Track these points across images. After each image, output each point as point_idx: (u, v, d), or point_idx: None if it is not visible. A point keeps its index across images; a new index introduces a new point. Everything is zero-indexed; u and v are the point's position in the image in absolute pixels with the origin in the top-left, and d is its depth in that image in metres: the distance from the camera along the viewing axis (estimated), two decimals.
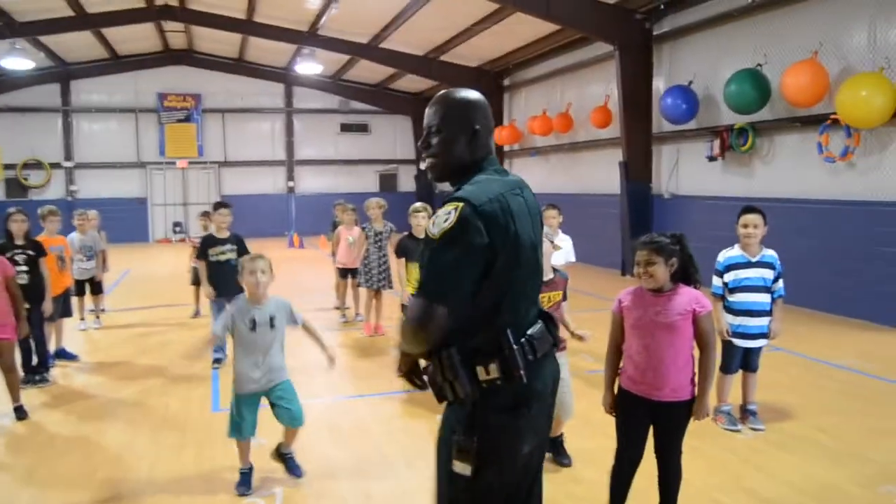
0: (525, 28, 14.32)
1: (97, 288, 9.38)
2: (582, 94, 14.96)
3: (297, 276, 13.81)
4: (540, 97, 16.73)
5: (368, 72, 21.26)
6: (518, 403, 2.22)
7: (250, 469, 4.30)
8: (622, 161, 12.67)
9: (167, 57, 22.70)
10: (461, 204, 2.11)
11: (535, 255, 2.34)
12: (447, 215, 2.10)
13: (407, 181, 25.15)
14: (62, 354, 7.65)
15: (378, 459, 4.77)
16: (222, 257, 7.09)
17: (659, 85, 12.31)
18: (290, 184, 24.49)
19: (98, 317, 9.50)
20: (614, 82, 12.73)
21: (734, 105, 10.03)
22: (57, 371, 7.20)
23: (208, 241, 7.21)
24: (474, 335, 2.19)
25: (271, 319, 4.22)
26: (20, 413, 5.73)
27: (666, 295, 3.42)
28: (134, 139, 23.17)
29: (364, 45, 17.94)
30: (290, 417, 4.31)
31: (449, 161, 2.35)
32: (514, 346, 2.19)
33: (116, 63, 22.34)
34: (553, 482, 4.31)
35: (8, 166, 22.09)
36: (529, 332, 2.27)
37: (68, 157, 22.71)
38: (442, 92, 2.42)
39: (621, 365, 3.58)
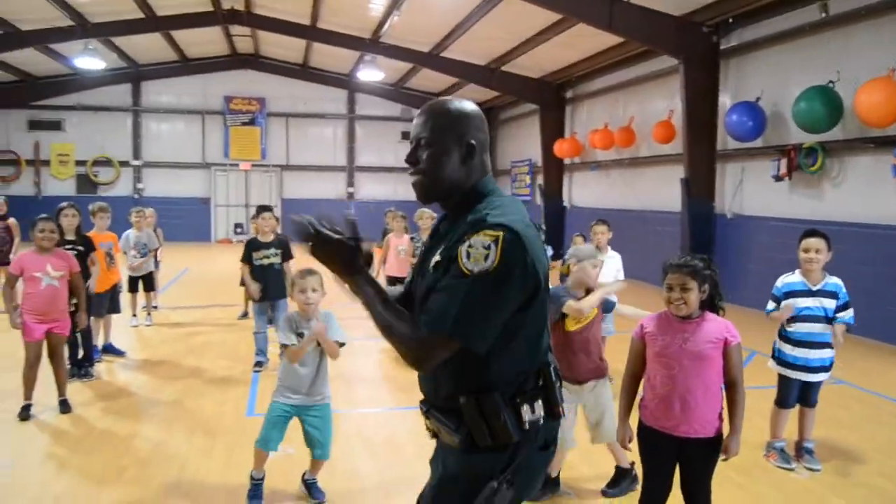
0: (588, 40, 14.06)
1: (150, 285, 9.51)
2: (645, 108, 14.61)
3: None
4: (602, 110, 16.43)
5: (430, 81, 21.25)
6: (548, 443, 2.09)
7: (262, 478, 4.19)
8: (684, 178, 12.29)
9: (234, 61, 23.15)
10: (501, 233, 1.88)
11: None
12: (487, 250, 1.86)
13: None
14: (109, 350, 7.74)
15: (407, 476, 4.60)
16: (266, 261, 7.07)
17: (725, 100, 11.90)
18: (350, 189, 24.64)
19: (149, 314, 9.62)
20: (678, 97, 12.38)
21: (803, 123, 9.59)
22: (102, 366, 7.29)
23: (252, 245, 7.20)
24: (517, 373, 2.01)
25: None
26: (65, 406, 5.79)
27: (695, 322, 3.20)
28: (200, 140, 23.66)
29: (425, 54, 17.91)
30: (318, 446, 4.18)
31: (439, 178, 2.08)
32: (556, 382, 2.06)
33: (185, 66, 22.88)
34: None
35: (79, 163, 22.86)
36: (555, 365, 2.12)
37: (136, 155, 23.33)
38: (432, 101, 2.16)
39: (639, 397, 3.37)
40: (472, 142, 2.09)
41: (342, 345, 4.14)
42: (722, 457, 3.22)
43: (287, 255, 7.21)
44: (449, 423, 2.02)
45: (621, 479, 4.34)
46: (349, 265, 2.04)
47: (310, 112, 24.10)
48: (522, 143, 21.30)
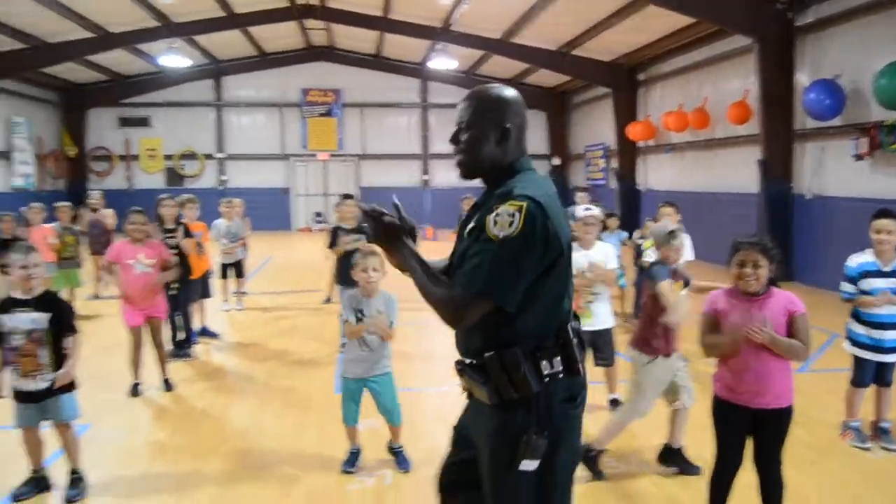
0: (659, 21, 13.95)
1: (240, 271, 10.03)
2: (719, 88, 14.39)
3: None
4: (675, 92, 16.24)
5: (502, 67, 21.35)
6: (573, 395, 2.29)
7: (358, 450, 4.55)
8: (760, 159, 12.12)
9: (310, 54, 23.75)
10: (525, 203, 2.11)
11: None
12: (511, 217, 2.10)
13: None
14: (205, 332, 8.27)
15: None
16: (348, 247, 7.42)
17: (801, 79, 11.67)
18: (425, 177, 24.98)
19: (240, 299, 10.16)
20: (753, 76, 12.20)
21: (885, 100, 9.37)
22: (199, 348, 7.80)
23: (337, 232, 7.56)
24: (537, 331, 2.22)
25: (378, 313, 4.38)
26: (167, 385, 6.30)
27: (762, 297, 3.33)
28: (279, 132, 24.39)
29: (496, 41, 18.04)
30: (385, 410, 4.50)
31: (477, 159, 2.32)
32: (574, 341, 2.26)
33: (264, 60, 23.62)
34: (660, 486, 4.29)
35: (167, 157, 23.92)
36: (574, 326, 2.33)
37: (220, 148, 24.25)
38: (475, 88, 2.39)
39: (714, 371, 3.52)
40: (508, 126, 2.30)
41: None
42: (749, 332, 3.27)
43: (369, 241, 7.55)
44: (478, 378, 2.24)
45: (671, 457, 4.48)
46: (393, 238, 2.35)
47: (384, 101, 24.51)
48: (595, 126, 21.21)
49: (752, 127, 12.70)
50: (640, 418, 4.48)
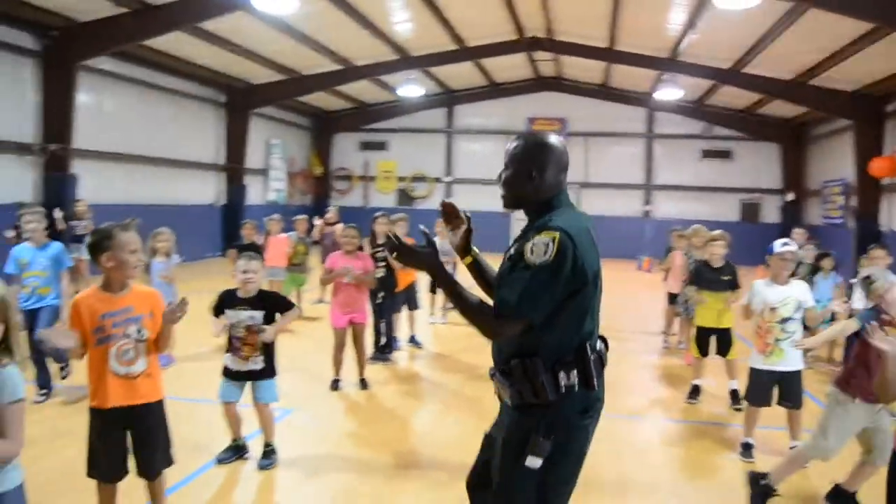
0: None
1: None
2: None
3: (634, 298, 13.94)
4: None
5: (732, 97, 20.58)
6: (587, 408, 2.53)
7: None
8: None
9: (537, 83, 24.39)
10: (558, 234, 2.41)
11: (601, 282, 2.57)
12: (546, 246, 2.39)
13: (770, 212, 23.62)
14: (412, 341, 8.96)
15: (644, 479, 4.91)
16: None
17: None
18: (647, 208, 24.58)
19: (445, 314, 10.78)
20: None
21: None
22: (401, 354, 8.47)
23: None
24: (558, 346, 2.48)
25: None
26: (363, 384, 6.95)
27: None
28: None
29: (726, 70, 17.44)
30: None
31: (514, 194, 2.68)
32: (592, 358, 2.50)
33: (494, 89, 24.66)
34: None
35: (400, 179, 25.74)
36: (598, 348, 2.57)
37: (448, 172, 25.64)
38: (522, 132, 2.81)
39: None
40: (541, 168, 2.60)
41: None
42: None
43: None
44: (505, 382, 2.54)
45: (840, 500, 4.26)
46: (429, 264, 2.64)
47: (609, 131, 24.47)
48: (835, 161, 19.64)
49: None
50: (820, 460, 4.33)
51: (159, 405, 3.64)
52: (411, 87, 20.05)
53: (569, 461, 2.54)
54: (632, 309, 12.31)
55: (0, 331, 2.53)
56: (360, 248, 7.11)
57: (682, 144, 24.26)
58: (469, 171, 25.35)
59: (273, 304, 4.78)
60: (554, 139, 2.68)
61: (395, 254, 2.67)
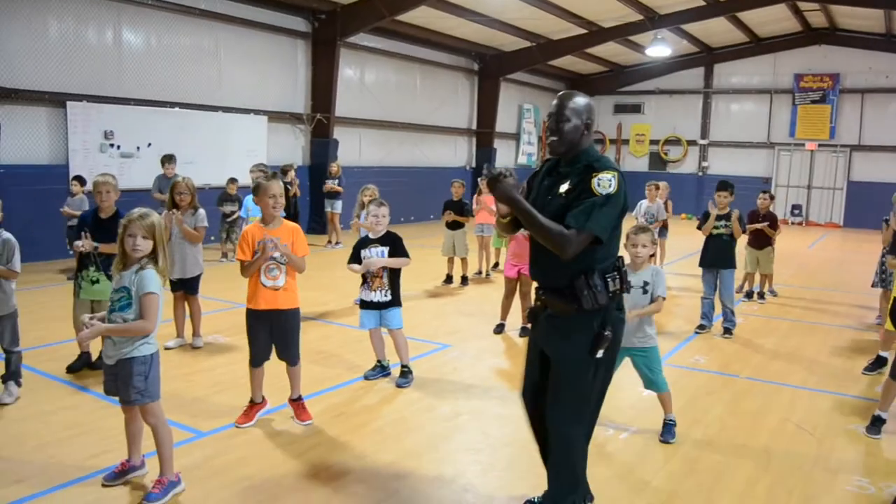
0: None
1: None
2: None
3: None
4: None
5: None
6: (621, 307, 3.30)
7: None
8: None
9: (807, 37, 22.44)
10: (616, 173, 3.10)
11: None
12: (609, 182, 3.05)
13: None
14: None
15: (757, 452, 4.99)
16: (715, 231, 7.62)
17: None
18: None
19: None
20: None
21: None
22: None
23: (707, 217, 7.77)
24: (606, 260, 3.16)
25: (644, 285, 4.76)
26: (523, 331, 7.38)
27: None
28: (766, 120, 23.73)
29: None
30: (649, 382, 4.79)
31: (572, 141, 3.21)
32: (624, 269, 3.24)
33: (756, 46, 23.16)
34: None
35: (653, 142, 25.34)
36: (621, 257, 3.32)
37: (704, 135, 24.70)
38: (566, 91, 3.32)
39: None
40: (589, 122, 3.24)
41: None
42: None
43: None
44: (562, 297, 3.16)
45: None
46: (510, 193, 3.10)
47: (890, 86, 21.88)
48: None
49: None
50: None
51: (295, 312, 4.73)
52: (659, 48, 19.59)
53: (616, 347, 3.24)
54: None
55: (150, 245, 3.59)
56: None
57: None
58: (726, 134, 24.31)
59: (395, 244, 5.53)
60: (590, 98, 3.29)
61: (490, 182, 3.15)
